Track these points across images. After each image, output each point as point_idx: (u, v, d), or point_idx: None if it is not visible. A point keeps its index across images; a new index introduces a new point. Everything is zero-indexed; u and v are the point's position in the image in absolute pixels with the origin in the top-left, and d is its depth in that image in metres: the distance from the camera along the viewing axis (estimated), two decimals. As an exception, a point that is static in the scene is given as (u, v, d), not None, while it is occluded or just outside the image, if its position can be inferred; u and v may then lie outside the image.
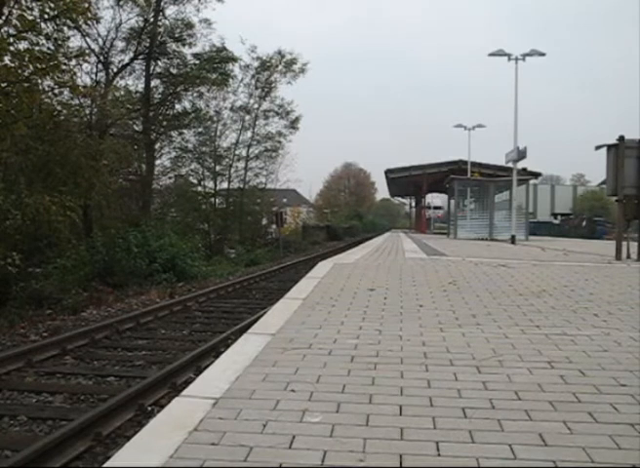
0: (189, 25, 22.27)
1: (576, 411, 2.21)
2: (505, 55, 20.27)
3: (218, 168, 29.99)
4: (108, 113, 17.49)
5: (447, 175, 27.77)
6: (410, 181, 38.53)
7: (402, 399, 2.35)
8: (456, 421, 2.10)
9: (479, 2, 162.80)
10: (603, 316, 4.18)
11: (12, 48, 11.90)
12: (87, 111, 17.49)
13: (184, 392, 2.50)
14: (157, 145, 24.16)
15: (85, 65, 18.05)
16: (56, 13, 12.71)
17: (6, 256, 11.13)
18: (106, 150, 16.83)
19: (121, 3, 20.59)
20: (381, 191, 78.64)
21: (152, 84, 22.75)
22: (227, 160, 30.66)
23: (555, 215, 49.23)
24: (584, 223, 38.02)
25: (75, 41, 17.61)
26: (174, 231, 19.89)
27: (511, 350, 3.14)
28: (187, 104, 24.44)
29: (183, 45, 22.48)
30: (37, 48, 12.52)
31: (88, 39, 19.45)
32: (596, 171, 64.30)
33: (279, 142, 33.17)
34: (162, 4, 21.72)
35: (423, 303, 4.66)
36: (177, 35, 22.21)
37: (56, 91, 14.17)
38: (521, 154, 19.52)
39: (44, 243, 14.75)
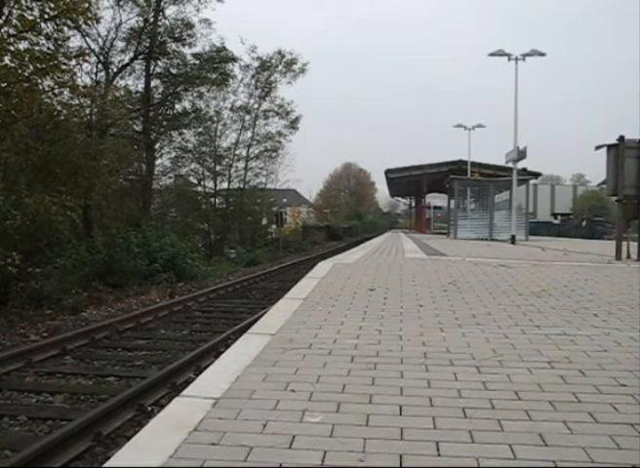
0: (189, 25, 22.28)
1: (576, 411, 2.21)
2: (505, 55, 20.30)
3: (218, 168, 29.98)
4: (108, 113, 17.49)
5: (447, 175, 27.79)
6: (410, 181, 38.55)
7: (402, 399, 2.35)
8: (456, 421, 2.10)
9: (481, 2, 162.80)
10: (603, 316, 4.18)
11: (12, 48, 11.90)
12: (87, 111, 17.49)
13: (184, 392, 2.49)
14: (157, 145, 24.16)
15: (85, 65, 18.08)
16: (56, 13, 12.70)
17: (6, 256, 11.13)
18: (106, 150, 16.83)
19: (121, 3, 20.62)
20: (381, 191, 78.76)
21: (152, 84, 22.79)
22: (227, 160, 30.65)
23: (555, 216, 49.27)
24: (584, 223, 38.06)
25: (75, 41, 17.61)
26: (174, 231, 19.89)
27: (511, 350, 3.14)
28: (187, 104, 24.48)
29: (183, 45, 22.52)
30: (37, 48, 12.52)
31: (88, 39, 19.49)
32: (596, 171, 64.29)
33: (279, 142, 33.19)
34: (162, 4, 21.74)
35: (423, 303, 4.66)
36: (177, 35, 22.21)
37: (56, 91, 14.17)
38: (521, 154, 19.53)
39: (44, 243, 14.73)
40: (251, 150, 32.15)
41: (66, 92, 14.85)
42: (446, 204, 33.03)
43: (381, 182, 56.85)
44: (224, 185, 30.96)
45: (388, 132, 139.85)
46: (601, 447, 1.89)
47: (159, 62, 22.57)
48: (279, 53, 30.84)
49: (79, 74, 16.59)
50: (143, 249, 15.92)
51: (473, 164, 31.51)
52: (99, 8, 17.32)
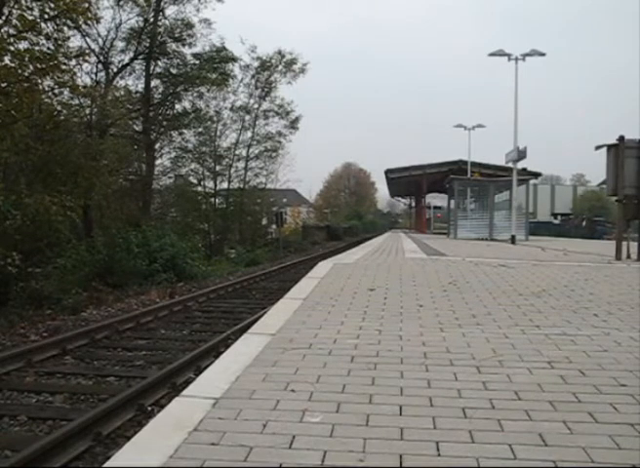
0: (189, 25, 22.29)
1: (576, 411, 2.21)
2: (505, 55, 20.29)
3: (218, 168, 29.99)
4: (108, 113, 17.49)
5: (447, 175, 27.80)
6: (410, 181, 38.56)
7: (402, 399, 2.35)
8: (456, 421, 2.10)
9: (481, 2, 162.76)
10: (603, 316, 4.18)
11: (12, 48, 11.91)
12: (87, 111, 17.50)
13: (184, 392, 2.49)
14: (157, 145, 24.16)
15: (85, 65, 18.08)
16: (56, 13, 12.71)
17: (6, 256, 11.13)
18: (106, 150, 16.83)
19: (121, 3, 20.62)
20: (381, 191, 78.79)
21: (152, 84, 22.80)
22: (227, 160, 30.67)
23: (555, 216, 49.31)
24: (584, 223, 38.09)
25: (75, 41, 17.63)
26: (174, 231, 19.89)
27: (511, 350, 3.14)
28: (187, 104, 24.50)
29: (183, 45, 22.53)
30: (37, 48, 12.53)
31: (88, 39, 19.50)
32: (596, 171, 64.31)
33: (279, 142, 33.19)
34: (162, 4, 21.74)
35: (423, 303, 4.66)
36: (177, 35, 22.22)
37: (56, 91, 14.18)
38: (521, 154, 19.53)
39: (44, 243, 14.73)
40: (251, 150, 32.19)
41: (66, 92, 14.88)
42: (446, 204, 33.02)
43: (381, 182, 56.96)
44: (224, 185, 31.00)
45: (388, 132, 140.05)
46: (601, 447, 1.89)
47: (159, 62, 22.59)
48: (279, 53, 30.89)
49: (79, 74, 16.63)
50: (143, 249, 15.92)
51: (473, 164, 31.51)
52: (99, 8, 17.35)
